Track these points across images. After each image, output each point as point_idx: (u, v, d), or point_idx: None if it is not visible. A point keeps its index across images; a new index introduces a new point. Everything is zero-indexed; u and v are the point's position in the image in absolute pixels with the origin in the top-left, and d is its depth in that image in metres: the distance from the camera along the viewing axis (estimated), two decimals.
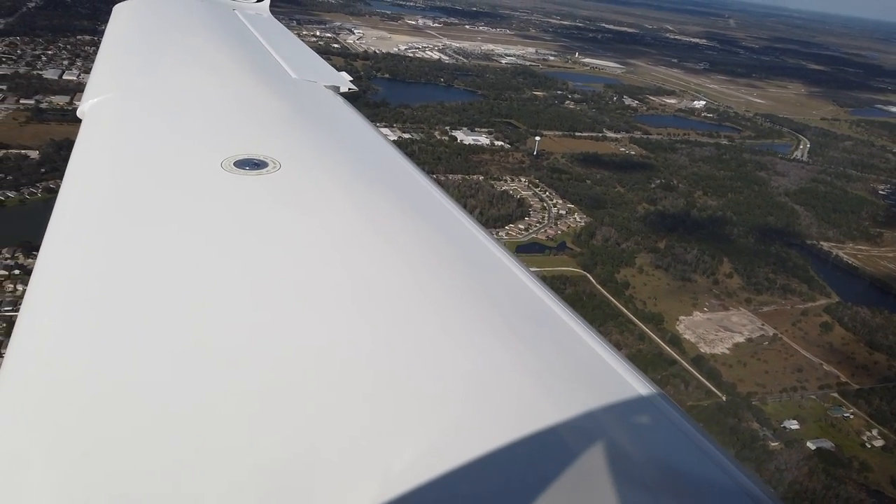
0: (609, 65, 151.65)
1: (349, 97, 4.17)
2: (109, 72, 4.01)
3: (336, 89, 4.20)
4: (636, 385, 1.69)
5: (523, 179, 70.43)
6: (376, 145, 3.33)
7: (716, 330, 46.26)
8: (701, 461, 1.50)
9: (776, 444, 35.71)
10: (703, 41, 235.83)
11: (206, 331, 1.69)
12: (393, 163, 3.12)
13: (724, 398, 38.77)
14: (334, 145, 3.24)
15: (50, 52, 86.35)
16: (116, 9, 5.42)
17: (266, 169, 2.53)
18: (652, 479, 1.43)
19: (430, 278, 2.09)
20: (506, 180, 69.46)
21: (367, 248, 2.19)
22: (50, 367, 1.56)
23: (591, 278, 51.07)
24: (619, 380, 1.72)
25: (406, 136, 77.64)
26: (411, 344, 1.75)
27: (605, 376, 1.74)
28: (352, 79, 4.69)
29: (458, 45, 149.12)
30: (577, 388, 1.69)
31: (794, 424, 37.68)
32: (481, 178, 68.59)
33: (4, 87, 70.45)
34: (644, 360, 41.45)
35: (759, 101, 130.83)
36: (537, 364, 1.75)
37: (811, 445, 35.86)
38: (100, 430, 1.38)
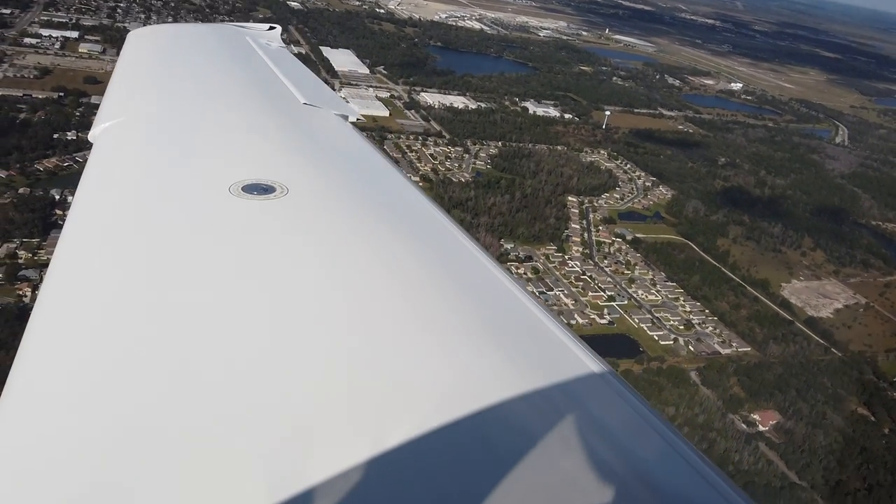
0: (639, 43, 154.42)
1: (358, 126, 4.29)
2: (121, 97, 4.01)
3: (345, 118, 4.21)
4: (594, 369, 1.84)
5: (602, 151, 74.09)
6: (385, 172, 3.36)
7: (816, 297, 51.07)
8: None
9: (894, 394, 40.85)
10: (718, 23, 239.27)
11: (212, 353, 1.71)
12: (401, 190, 3.17)
13: (839, 355, 43.68)
14: (343, 171, 3.26)
15: (123, 5, 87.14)
16: (131, 35, 5.43)
17: (274, 194, 2.53)
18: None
19: (437, 304, 2.13)
20: (587, 152, 73.03)
21: (374, 274, 2.23)
22: (53, 399, 1.56)
23: (693, 246, 55.41)
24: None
25: (482, 104, 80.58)
26: (417, 370, 1.78)
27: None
28: (359, 109, 4.84)
29: (493, 16, 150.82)
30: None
31: None
32: (564, 148, 72.03)
33: (100, 38, 71.70)
34: (765, 319, 46.19)
35: (788, 85, 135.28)
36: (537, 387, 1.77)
37: None
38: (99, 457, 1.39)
